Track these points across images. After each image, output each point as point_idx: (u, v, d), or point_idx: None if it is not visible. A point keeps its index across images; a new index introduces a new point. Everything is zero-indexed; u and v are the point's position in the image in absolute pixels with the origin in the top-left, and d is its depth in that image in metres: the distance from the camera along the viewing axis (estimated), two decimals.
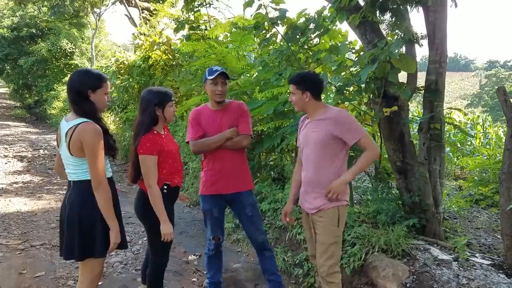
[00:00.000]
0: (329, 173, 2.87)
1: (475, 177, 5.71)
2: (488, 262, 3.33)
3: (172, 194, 3.06)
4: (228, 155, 3.33)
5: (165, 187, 2.97)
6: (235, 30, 6.52)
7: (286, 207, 3.24)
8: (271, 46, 5.04)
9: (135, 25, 14.43)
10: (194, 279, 4.20)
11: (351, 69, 4.07)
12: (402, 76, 3.89)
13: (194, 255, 4.85)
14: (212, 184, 3.38)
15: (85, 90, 2.50)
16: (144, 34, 10.50)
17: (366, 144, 2.84)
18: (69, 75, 2.61)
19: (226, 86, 3.32)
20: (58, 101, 19.50)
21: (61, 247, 2.64)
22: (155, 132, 2.94)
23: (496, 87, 3.35)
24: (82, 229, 2.51)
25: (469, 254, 3.47)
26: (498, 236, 4.11)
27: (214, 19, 8.34)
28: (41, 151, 12.10)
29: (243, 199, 3.39)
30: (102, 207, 2.50)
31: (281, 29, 4.55)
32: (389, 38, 3.92)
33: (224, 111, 3.37)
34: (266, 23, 4.52)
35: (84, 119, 2.46)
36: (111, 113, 12.86)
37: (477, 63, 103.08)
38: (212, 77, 3.23)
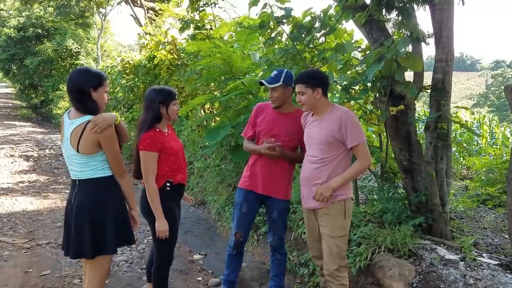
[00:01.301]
0: (327, 173, 2.87)
1: (482, 177, 5.67)
2: (495, 262, 3.31)
3: (176, 191, 3.07)
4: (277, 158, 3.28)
5: (168, 184, 2.98)
6: (240, 29, 6.51)
7: None
8: (276, 45, 5.03)
9: (140, 25, 14.44)
10: (199, 278, 4.20)
11: (357, 68, 4.06)
12: (409, 76, 3.87)
13: (199, 254, 4.86)
14: (250, 179, 3.37)
15: (87, 88, 2.51)
16: (150, 34, 10.51)
17: (361, 152, 2.82)
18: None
19: (277, 92, 3.21)
20: (64, 101, 19.53)
21: (66, 247, 2.64)
22: (157, 129, 2.95)
23: (503, 86, 3.33)
24: (93, 227, 2.53)
25: (476, 254, 3.45)
26: (505, 236, 4.07)
27: (219, 18, 8.33)
28: (47, 150, 12.15)
29: (274, 204, 3.36)
30: (128, 192, 2.70)
31: (286, 28, 4.54)
32: (395, 36, 3.90)
33: (287, 116, 3.31)
34: (271, 22, 4.51)
35: (91, 116, 2.48)
36: (117, 113, 12.88)
37: (483, 63, 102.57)
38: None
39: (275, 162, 3.26)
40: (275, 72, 3.26)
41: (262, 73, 5.42)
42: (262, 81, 3.27)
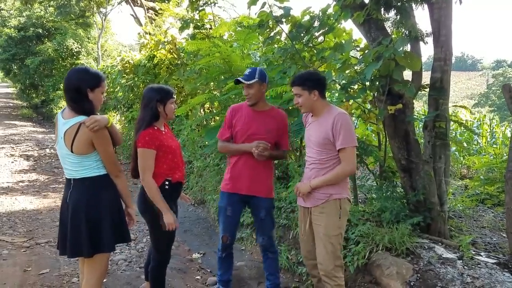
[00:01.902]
0: (323, 173, 2.88)
1: (481, 176, 5.67)
2: (493, 261, 3.31)
3: (174, 190, 3.07)
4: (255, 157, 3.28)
5: (167, 182, 2.98)
6: (239, 29, 6.52)
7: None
8: (275, 45, 5.03)
9: (140, 24, 14.46)
10: (198, 277, 4.21)
11: (355, 67, 4.06)
12: (408, 75, 3.87)
13: (198, 253, 4.86)
14: (232, 181, 3.38)
15: (84, 88, 2.50)
16: (150, 34, 10.51)
17: (347, 157, 2.80)
18: None
19: (253, 88, 3.25)
20: (65, 100, 19.54)
21: (62, 246, 2.64)
22: (155, 128, 2.96)
23: None
24: (90, 226, 2.52)
25: (474, 252, 3.45)
26: (504, 235, 4.07)
27: (218, 18, 8.34)
28: (47, 150, 12.16)
29: (260, 202, 3.38)
30: (124, 191, 2.68)
31: (285, 27, 4.54)
32: (393, 35, 3.90)
33: (263, 113, 3.35)
34: (270, 21, 4.51)
35: (85, 117, 2.47)
36: (117, 112, 12.88)
37: (484, 62, 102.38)
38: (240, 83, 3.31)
39: (257, 161, 3.25)
40: (249, 70, 3.32)
41: None
42: (239, 78, 3.31)
